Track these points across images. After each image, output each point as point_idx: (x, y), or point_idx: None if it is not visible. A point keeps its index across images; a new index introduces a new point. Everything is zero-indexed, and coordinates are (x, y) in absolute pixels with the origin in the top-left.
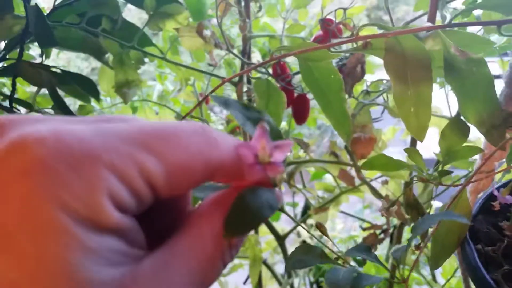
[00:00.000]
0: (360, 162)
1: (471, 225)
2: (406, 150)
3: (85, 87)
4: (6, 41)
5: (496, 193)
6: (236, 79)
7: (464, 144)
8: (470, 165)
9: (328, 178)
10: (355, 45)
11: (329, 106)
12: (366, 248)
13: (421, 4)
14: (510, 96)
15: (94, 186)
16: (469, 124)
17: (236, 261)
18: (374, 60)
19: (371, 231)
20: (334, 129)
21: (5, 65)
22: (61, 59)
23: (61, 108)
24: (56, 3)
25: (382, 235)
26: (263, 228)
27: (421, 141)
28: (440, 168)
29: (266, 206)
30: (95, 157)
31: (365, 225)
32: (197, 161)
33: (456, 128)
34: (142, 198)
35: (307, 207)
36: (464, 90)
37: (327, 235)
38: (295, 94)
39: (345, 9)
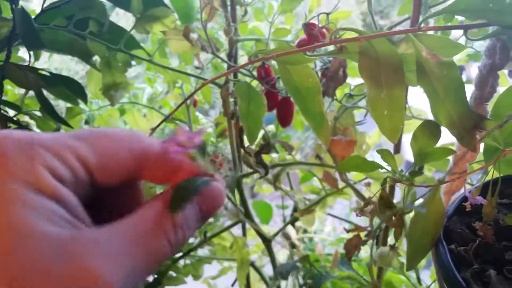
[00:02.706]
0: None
1: (445, 225)
2: (378, 151)
3: (73, 90)
4: None
5: (467, 194)
6: (223, 81)
7: (437, 146)
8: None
9: (316, 181)
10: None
11: (307, 109)
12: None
13: (405, 9)
14: (480, 98)
15: (35, 161)
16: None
17: (225, 263)
18: (355, 61)
19: (355, 233)
20: (314, 131)
21: None
22: (56, 61)
23: (48, 111)
24: (45, 6)
25: (366, 237)
26: (251, 231)
27: (394, 143)
28: (412, 169)
29: (202, 184)
30: (39, 144)
31: (350, 227)
32: (123, 148)
33: (427, 129)
34: (77, 173)
35: (295, 210)
36: (435, 93)
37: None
38: (280, 97)
39: (327, 14)
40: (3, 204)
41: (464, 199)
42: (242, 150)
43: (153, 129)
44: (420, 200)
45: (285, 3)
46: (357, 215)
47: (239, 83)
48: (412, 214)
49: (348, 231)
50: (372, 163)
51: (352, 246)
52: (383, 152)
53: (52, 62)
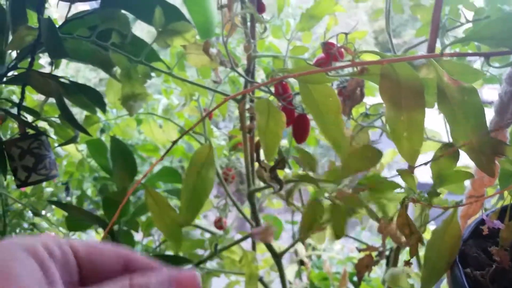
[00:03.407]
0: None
1: (461, 249)
2: (398, 171)
3: (92, 98)
4: (18, 51)
5: (484, 217)
6: (240, 96)
7: (456, 169)
8: (464, 191)
9: None
10: (355, 69)
11: (327, 127)
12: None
13: (423, 31)
14: (500, 124)
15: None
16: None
17: (232, 277)
18: (375, 83)
19: (367, 252)
20: (333, 149)
21: (16, 73)
22: (70, 69)
23: (68, 118)
24: (68, 15)
25: (378, 257)
26: (261, 245)
27: (413, 165)
28: (431, 190)
29: None
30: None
31: (362, 246)
32: (108, 248)
33: (446, 153)
34: (67, 256)
35: None
36: (455, 118)
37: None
38: (296, 114)
39: (346, 34)
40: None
41: (481, 222)
42: (256, 165)
43: (174, 142)
44: (435, 222)
45: (303, 22)
46: (380, 232)
47: (259, 100)
48: (425, 234)
49: (360, 251)
50: (392, 183)
51: (364, 266)
52: (403, 173)
53: (67, 69)
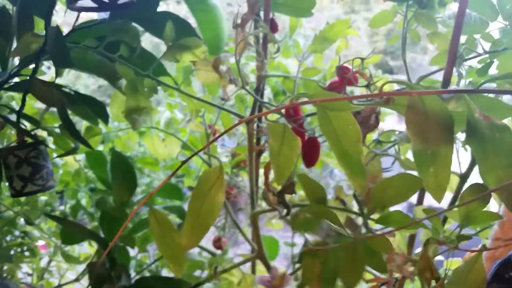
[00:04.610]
0: (373, 215)
1: None
2: (424, 210)
3: (95, 110)
4: (20, 58)
5: (508, 257)
6: (243, 114)
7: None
8: (486, 233)
9: None
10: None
11: (345, 156)
12: None
13: (438, 59)
14: None
15: None
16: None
17: None
18: (385, 109)
19: (374, 283)
20: (348, 179)
21: (17, 80)
22: (70, 75)
23: (69, 130)
24: (76, 24)
25: None
26: (259, 267)
27: (439, 202)
28: (458, 232)
29: None
30: None
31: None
32: None
33: (476, 193)
34: None
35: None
36: (485, 155)
37: None
38: (306, 137)
39: (363, 59)
40: None
41: (504, 264)
42: (264, 187)
43: (183, 162)
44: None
45: (316, 44)
46: (388, 263)
47: (275, 123)
48: None
49: (367, 282)
50: (419, 223)
51: None
52: (428, 212)
53: (67, 75)
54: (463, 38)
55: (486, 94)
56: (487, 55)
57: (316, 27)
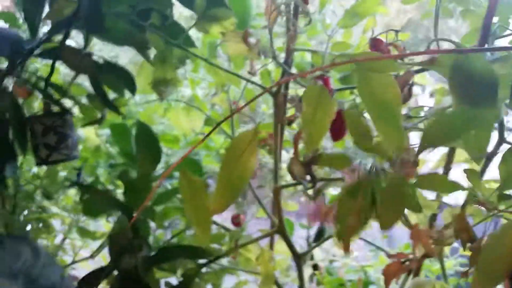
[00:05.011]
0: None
1: None
2: (465, 170)
3: (123, 79)
4: (51, 24)
5: None
6: (275, 90)
7: None
8: None
9: None
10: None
11: (383, 120)
12: None
13: (469, 37)
14: None
15: None
16: None
17: (242, 277)
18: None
19: (395, 259)
20: (385, 144)
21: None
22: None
23: (101, 96)
24: None
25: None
26: (277, 246)
27: (479, 164)
28: (498, 193)
29: None
30: None
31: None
32: None
33: None
34: None
35: (322, 230)
36: None
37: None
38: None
39: (397, 31)
40: None
41: None
42: (291, 159)
43: (207, 135)
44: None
45: (346, 18)
46: (413, 239)
47: (311, 86)
48: None
49: (389, 256)
50: (454, 183)
51: (392, 273)
52: (471, 173)
53: None
54: (495, 19)
55: None
56: None
57: (344, 4)
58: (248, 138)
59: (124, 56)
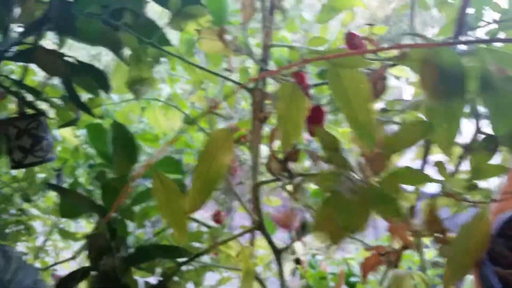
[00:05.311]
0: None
1: (491, 247)
2: (436, 163)
3: (97, 79)
4: (23, 26)
5: None
6: (253, 86)
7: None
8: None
9: None
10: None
11: (355, 117)
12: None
13: (445, 30)
14: None
15: None
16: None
17: (225, 274)
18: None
19: (374, 252)
20: (358, 139)
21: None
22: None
23: (73, 98)
24: None
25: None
26: (258, 242)
27: (448, 156)
28: (466, 183)
29: None
30: None
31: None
32: None
33: (484, 146)
34: None
35: (304, 224)
36: (498, 107)
37: None
38: (312, 105)
39: (371, 25)
40: None
41: (511, 221)
42: (269, 156)
43: (174, 137)
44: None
45: (323, 13)
46: (391, 232)
47: (285, 83)
48: None
49: (368, 249)
50: (424, 175)
51: (370, 266)
52: (439, 165)
53: None
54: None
55: (499, 49)
56: (495, 26)
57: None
58: (223, 136)
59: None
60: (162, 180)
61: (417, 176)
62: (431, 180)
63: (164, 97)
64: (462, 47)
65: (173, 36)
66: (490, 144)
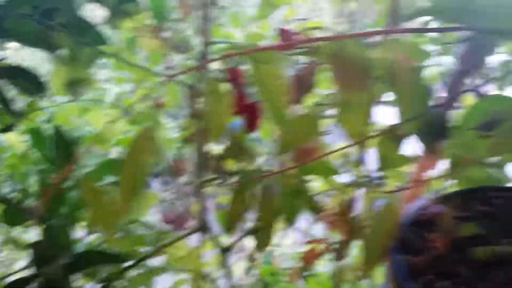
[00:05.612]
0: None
1: (402, 235)
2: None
3: (30, 82)
4: None
5: (425, 203)
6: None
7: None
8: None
9: None
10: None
11: (273, 108)
12: None
13: (379, 23)
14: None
15: None
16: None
17: (179, 276)
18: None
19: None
20: (277, 130)
21: None
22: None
23: (3, 103)
24: None
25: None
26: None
27: (359, 146)
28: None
29: None
30: None
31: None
32: None
33: (391, 135)
34: None
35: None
36: (403, 97)
37: None
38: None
39: (303, 20)
40: None
41: (422, 209)
42: (206, 154)
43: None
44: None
45: (263, 9)
46: (324, 222)
47: (210, 80)
48: None
49: (310, 242)
50: (330, 168)
51: (310, 258)
52: (345, 155)
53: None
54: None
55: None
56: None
57: None
58: (147, 135)
59: None
60: (86, 184)
61: (328, 169)
62: (336, 172)
63: (113, 95)
64: (376, 38)
65: (120, 35)
66: (397, 133)
